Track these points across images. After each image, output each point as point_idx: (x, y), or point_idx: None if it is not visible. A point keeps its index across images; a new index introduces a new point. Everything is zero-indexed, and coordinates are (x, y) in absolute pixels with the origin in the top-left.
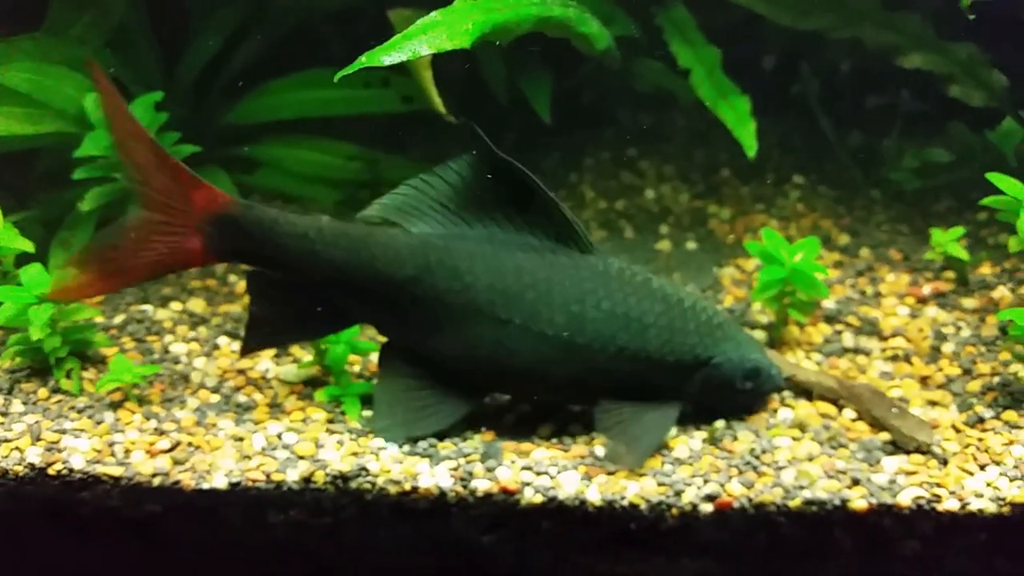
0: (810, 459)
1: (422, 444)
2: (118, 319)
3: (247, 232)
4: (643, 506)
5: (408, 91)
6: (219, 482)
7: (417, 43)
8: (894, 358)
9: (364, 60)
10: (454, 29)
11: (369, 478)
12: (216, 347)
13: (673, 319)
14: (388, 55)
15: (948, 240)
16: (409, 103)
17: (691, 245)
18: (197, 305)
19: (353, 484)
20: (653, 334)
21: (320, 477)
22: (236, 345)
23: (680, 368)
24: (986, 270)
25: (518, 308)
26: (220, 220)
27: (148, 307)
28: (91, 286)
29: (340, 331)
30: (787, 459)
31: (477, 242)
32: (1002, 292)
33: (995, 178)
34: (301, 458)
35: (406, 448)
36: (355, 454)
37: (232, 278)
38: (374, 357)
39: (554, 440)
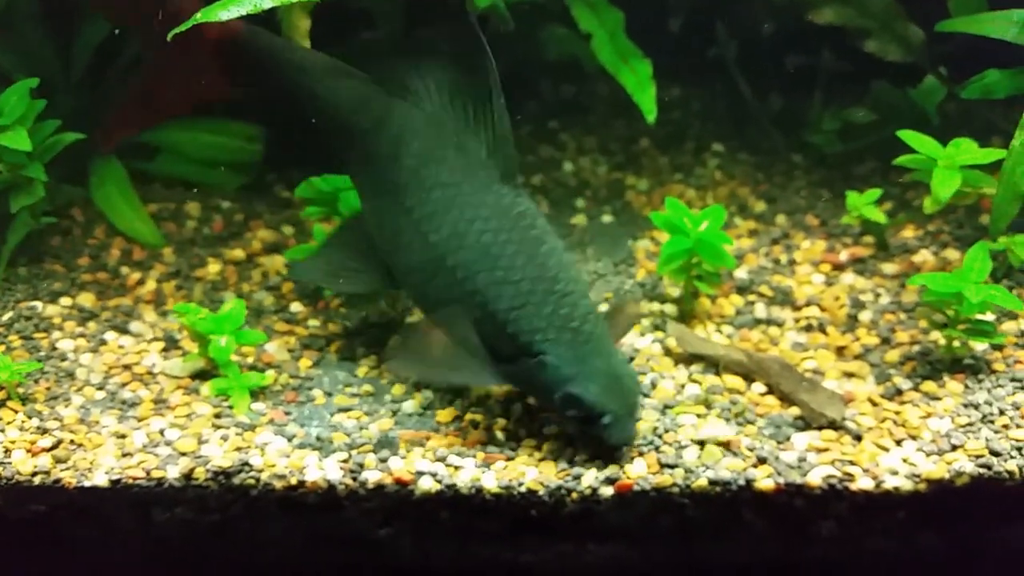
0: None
1: (314, 434)
2: (6, 317)
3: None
4: (541, 492)
5: None
6: (100, 480)
7: None
8: (808, 328)
9: (199, 16)
10: None
11: (252, 473)
12: (103, 342)
13: (534, 291)
14: (227, 10)
15: (864, 203)
16: None
17: (607, 218)
18: (87, 299)
19: (236, 480)
20: (508, 293)
21: (201, 473)
22: (124, 340)
23: (515, 345)
24: (909, 233)
25: (421, 202)
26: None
27: (37, 303)
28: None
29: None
30: (690, 438)
31: (429, 122)
32: (924, 256)
33: (908, 136)
34: (182, 454)
35: (296, 441)
36: (239, 449)
37: (124, 270)
38: (268, 348)
39: (453, 427)
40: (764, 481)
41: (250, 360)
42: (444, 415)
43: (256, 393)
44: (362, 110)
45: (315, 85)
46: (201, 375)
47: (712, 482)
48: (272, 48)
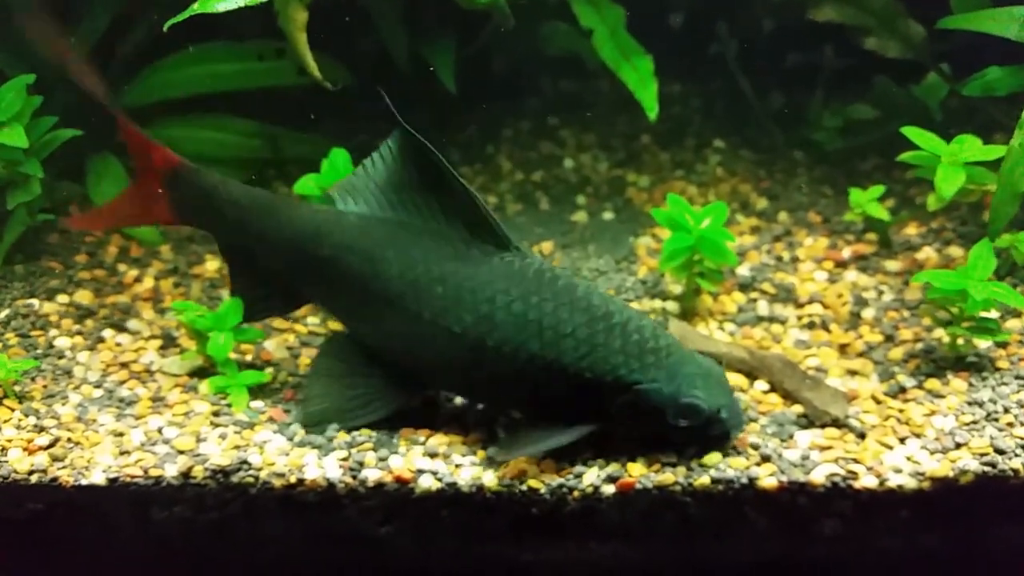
0: None
1: (312, 434)
2: (2, 314)
3: (196, 194)
4: (543, 490)
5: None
6: (97, 478)
7: None
8: (811, 326)
9: (196, 7)
10: None
11: (252, 472)
12: (101, 340)
13: (595, 333)
14: (223, 1)
15: (867, 200)
16: (305, 75)
17: (608, 215)
18: (84, 297)
19: (235, 479)
20: (569, 345)
21: (199, 472)
22: (121, 337)
23: (600, 388)
24: (912, 230)
25: (428, 301)
26: (174, 180)
27: (34, 301)
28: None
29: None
30: None
31: (391, 227)
32: (927, 253)
33: (911, 132)
34: (181, 452)
35: (295, 439)
36: (237, 447)
37: (122, 267)
38: (267, 345)
39: (454, 424)
40: (767, 479)
41: (249, 358)
42: (446, 413)
43: (255, 391)
44: (318, 238)
45: (261, 222)
46: (199, 373)
47: (715, 480)
48: (211, 187)
